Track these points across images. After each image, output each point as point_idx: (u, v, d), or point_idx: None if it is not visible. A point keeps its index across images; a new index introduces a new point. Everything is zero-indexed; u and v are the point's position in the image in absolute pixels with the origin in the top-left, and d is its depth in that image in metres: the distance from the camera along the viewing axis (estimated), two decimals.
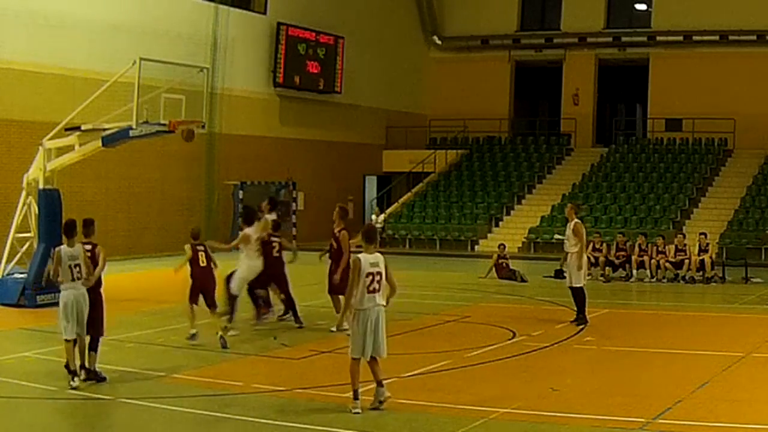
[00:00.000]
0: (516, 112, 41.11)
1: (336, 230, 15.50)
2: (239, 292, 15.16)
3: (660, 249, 23.26)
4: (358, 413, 9.92)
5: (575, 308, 15.78)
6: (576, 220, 15.82)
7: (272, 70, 33.04)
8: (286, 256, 15.83)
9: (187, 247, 14.15)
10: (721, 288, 21.78)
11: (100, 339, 11.84)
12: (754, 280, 22.17)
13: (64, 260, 11.55)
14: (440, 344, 14.33)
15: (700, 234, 23.68)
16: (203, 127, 18.72)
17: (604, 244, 24.17)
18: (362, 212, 37.54)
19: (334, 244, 15.45)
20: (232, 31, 30.72)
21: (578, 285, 15.60)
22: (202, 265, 14.09)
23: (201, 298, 14.09)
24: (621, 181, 34.04)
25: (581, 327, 15.33)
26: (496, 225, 33.03)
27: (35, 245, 18.02)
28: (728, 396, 10.73)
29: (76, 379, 11.19)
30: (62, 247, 11.75)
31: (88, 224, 12.62)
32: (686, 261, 22.80)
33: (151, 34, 26.90)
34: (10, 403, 10.52)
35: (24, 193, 18.28)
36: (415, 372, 11.95)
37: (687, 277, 22.60)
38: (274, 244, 15.57)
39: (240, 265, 15.08)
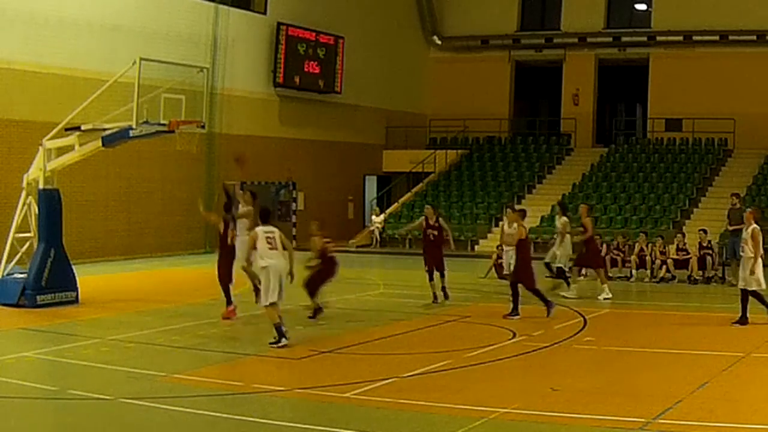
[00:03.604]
0: (516, 112, 41.12)
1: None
2: None
3: (661, 250, 23.26)
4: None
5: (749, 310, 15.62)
6: (754, 225, 15.57)
7: (272, 70, 33.04)
8: None
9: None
10: (721, 288, 21.76)
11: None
12: None
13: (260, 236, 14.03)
14: (440, 344, 14.33)
15: (700, 230, 23.59)
16: (203, 127, 18.72)
17: (604, 245, 24.16)
18: (362, 212, 37.57)
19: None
20: (232, 31, 30.73)
21: (752, 288, 15.49)
22: None
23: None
24: (621, 181, 34.05)
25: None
26: (496, 225, 33.01)
27: (35, 245, 18.02)
28: (728, 396, 10.72)
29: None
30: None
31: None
32: (689, 259, 22.79)
33: (151, 34, 26.92)
34: (10, 403, 10.52)
35: (24, 193, 18.26)
36: (415, 372, 11.94)
37: (691, 278, 22.57)
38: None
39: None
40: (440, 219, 19.26)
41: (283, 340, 13.76)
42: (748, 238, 15.46)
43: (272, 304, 13.85)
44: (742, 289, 15.68)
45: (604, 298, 19.16)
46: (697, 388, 10.98)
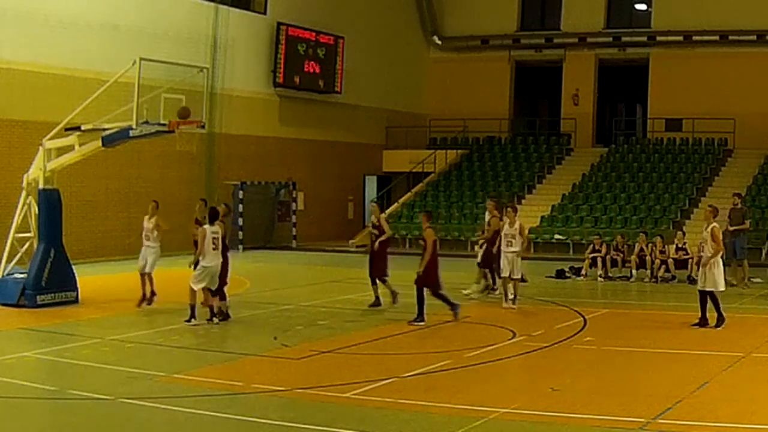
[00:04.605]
0: (516, 112, 41.11)
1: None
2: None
3: (661, 249, 23.25)
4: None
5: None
6: (714, 224, 15.44)
7: (272, 70, 33.05)
8: None
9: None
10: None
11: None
12: (754, 280, 22.15)
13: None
14: (440, 344, 14.33)
15: None
16: (203, 127, 18.73)
17: (604, 245, 24.17)
18: (362, 212, 37.57)
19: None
20: (232, 31, 30.73)
21: (712, 288, 15.32)
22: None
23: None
24: (621, 181, 34.04)
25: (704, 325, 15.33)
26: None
27: (35, 245, 18.03)
28: (728, 396, 10.72)
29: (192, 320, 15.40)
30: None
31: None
32: (689, 260, 22.77)
33: (151, 35, 26.91)
34: (10, 403, 10.52)
35: (24, 193, 18.27)
36: (415, 372, 11.95)
37: (690, 278, 22.56)
38: None
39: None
40: (381, 219, 18.16)
41: (193, 320, 15.44)
42: (708, 237, 15.31)
43: (202, 289, 15.51)
44: (700, 291, 15.45)
45: (468, 294, 18.89)
46: (697, 388, 10.99)
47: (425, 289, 16.07)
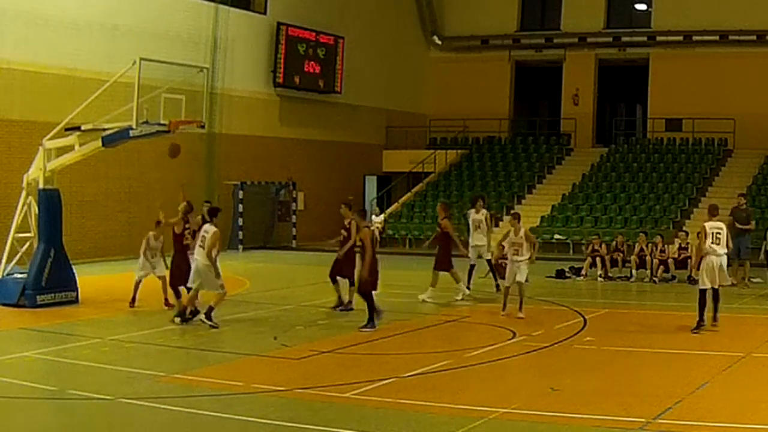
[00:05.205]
0: (516, 112, 41.11)
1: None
2: None
3: (661, 248, 23.22)
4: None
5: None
6: (703, 224, 15.46)
7: (272, 70, 33.04)
8: None
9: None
10: (720, 288, 21.71)
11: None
12: (754, 280, 22.14)
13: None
14: (440, 344, 14.34)
15: None
16: (203, 127, 18.72)
17: (604, 245, 24.16)
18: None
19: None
20: (232, 31, 30.73)
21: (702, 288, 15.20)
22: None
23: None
24: (621, 181, 34.05)
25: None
26: (496, 225, 32.96)
27: (35, 245, 18.03)
28: (728, 396, 10.72)
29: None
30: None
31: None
32: (689, 260, 22.73)
33: (151, 35, 26.92)
34: (10, 403, 10.52)
35: (24, 193, 18.27)
36: (415, 372, 11.95)
37: (690, 278, 22.53)
38: None
39: None
40: (352, 223, 17.21)
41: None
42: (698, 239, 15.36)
43: (191, 289, 15.63)
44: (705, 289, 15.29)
45: (425, 299, 18.41)
46: (697, 388, 10.99)
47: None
